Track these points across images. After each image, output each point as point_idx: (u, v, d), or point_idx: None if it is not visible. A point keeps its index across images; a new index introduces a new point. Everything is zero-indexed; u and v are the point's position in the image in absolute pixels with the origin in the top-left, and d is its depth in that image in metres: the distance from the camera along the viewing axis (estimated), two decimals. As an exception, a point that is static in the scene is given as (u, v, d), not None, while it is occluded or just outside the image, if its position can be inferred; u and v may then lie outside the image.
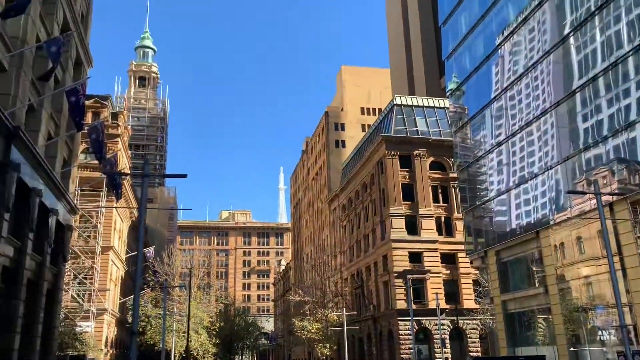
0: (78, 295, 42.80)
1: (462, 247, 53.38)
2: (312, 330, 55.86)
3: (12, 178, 19.52)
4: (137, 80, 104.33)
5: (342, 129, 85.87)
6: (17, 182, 20.23)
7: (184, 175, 16.84)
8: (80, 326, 39.03)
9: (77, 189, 33.69)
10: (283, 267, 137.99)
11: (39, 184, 23.15)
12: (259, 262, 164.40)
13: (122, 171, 37.76)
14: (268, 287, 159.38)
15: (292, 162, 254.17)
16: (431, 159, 57.80)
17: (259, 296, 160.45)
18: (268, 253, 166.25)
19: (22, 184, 21.14)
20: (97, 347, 42.29)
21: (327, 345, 55.99)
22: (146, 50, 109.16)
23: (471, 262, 43.84)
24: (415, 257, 53.80)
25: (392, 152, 56.76)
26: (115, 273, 51.16)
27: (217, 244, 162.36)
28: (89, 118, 46.19)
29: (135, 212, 62.40)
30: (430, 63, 70.27)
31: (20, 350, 21.55)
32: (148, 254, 56.85)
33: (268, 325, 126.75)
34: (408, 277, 52.13)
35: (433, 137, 57.94)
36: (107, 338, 47.23)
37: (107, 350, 47.75)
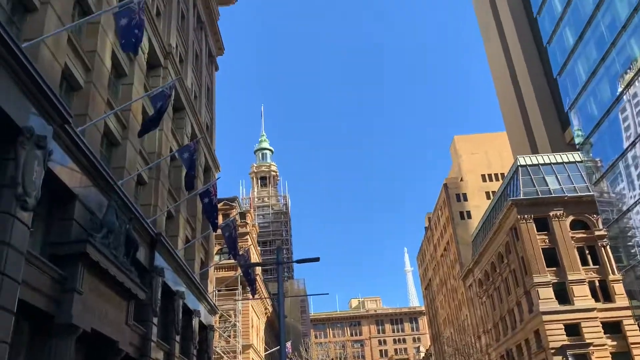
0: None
1: (627, 312, 46.83)
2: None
3: (158, 283, 20.41)
4: (259, 180, 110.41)
5: (465, 199, 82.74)
6: (162, 287, 21.14)
7: (317, 259, 16.47)
8: None
9: (214, 289, 34.77)
10: (422, 354, 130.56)
11: (181, 286, 24.08)
12: (396, 350, 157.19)
13: (255, 276, 38.57)
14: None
15: (415, 241, 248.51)
16: (571, 218, 52.90)
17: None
18: (404, 340, 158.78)
19: (167, 288, 22.06)
20: None
21: None
22: (264, 151, 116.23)
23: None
24: (573, 330, 47.88)
25: (526, 216, 52.90)
26: (256, 372, 51.19)
27: (351, 335, 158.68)
28: (219, 220, 48.74)
29: (270, 307, 63.12)
30: (549, 117, 66.64)
31: None
32: (286, 350, 56.49)
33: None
34: (568, 352, 46.33)
35: (568, 195, 53.37)
36: None
37: None
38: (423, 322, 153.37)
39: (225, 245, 48.51)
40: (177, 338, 22.91)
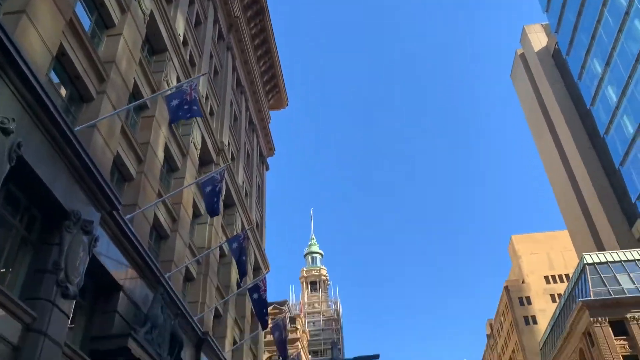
0: None
1: None
2: None
3: (202, 389, 18.93)
4: (309, 285, 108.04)
5: (529, 302, 77.39)
6: (208, 392, 19.59)
7: (377, 356, 14.78)
8: None
9: (263, 398, 32.42)
10: None
11: (227, 392, 22.36)
12: None
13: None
14: None
15: (475, 352, 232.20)
16: (651, 320, 47.92)
17: None
18: None
19: (212, 394, 20.45)
20: None
21: None
22: (314, 255, 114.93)
23: None
24: None
25: (600, 319, 48.29)
26: None
27: None
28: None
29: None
30: (613, 212, 63.09)
31: None
32: None
33: None
34: None
35: (645, 294, 48.81)
36: None
37: None
38: None
39: (274, 354, 46.24)
40: None
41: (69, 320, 11.37)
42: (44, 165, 10.41)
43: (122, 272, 14.05)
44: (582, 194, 67.90)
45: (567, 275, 74.12)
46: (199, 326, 19.19)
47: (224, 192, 15.14)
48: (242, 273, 18.62)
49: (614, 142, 41.12)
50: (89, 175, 11.76)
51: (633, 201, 41.51)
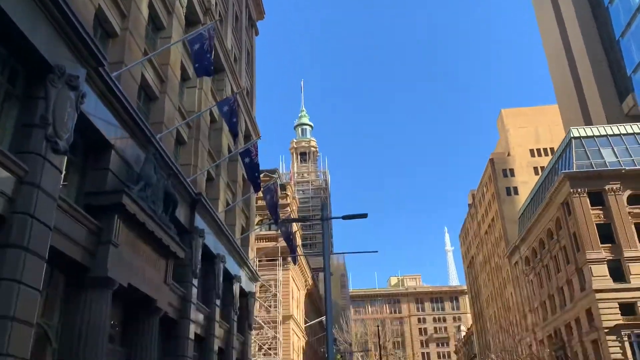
0: (264, 367, 42.91)
1: (688, 292, 44.29)
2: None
3: (198, 244, 19.78)
4: (299, 156, 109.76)
5: (512, 174, 79.76)
6: (203, 249, 20.53)
7: (365, 215, 15.31)
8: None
9: (255, 257, 34.26)
10: (463, 333, 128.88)
11: (222, 250, 23.48)
12: (435, 329, 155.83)
13: (295, 234, 37.88)
14: (449, 356, 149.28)
15: (456, 220, 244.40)
16: (628, 192, 49.90)
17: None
18: (444, 319, 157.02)
19: (207, 251, 21.46)
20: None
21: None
22: (304, 127, 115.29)
23: None
24: (628, 309, 45.46)
25: (579, 190, 50.20)
26: (296, 343, 50.97)
27: (390, 312, 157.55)
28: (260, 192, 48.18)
29: (311, 280, 62.75)
30: (605, 87, 62.72)
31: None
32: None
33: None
34: (623, 332, 44.04)
35: (627, 168, 50.29)
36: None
37: None
38: (464, 301, 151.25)
39: (266, 218, 48.14)
40: (218, 302, 22.38)
41: (62, 176, 11.45)
42: (20, 13, 9.78)
43: (112, 131, 13.90)
44: (576, 66, 66.88)
45: (552, 149, 75.59)
46: (192, 187, 19.57)
47: (213, 52, 14.51)
48: (234, 134, 18.60)
49: (618, 12, 39.59)
50: (71, 28, 11.13)
51: (628, 74, 40.99)
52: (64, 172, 11.50)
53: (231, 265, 25.05)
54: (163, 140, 17.27)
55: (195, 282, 19.40)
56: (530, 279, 65.93)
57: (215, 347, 21.68)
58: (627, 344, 43.28)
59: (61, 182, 11.44)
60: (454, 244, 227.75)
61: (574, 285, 51.37)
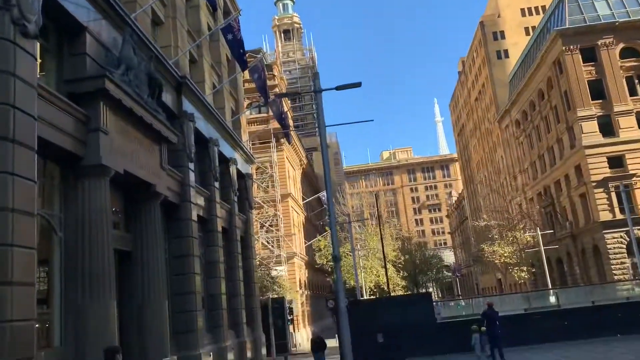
0: (268, 243, 44.78)
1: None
2: (505, 254, 52.21)
3: (189, 128, 19.45)
4: (282, 34, 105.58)
5: (502, 37, 77.56)
6: (195, 134, 20.23)
7: (358, 84, 14.85)
8: (276, 270, 40.88)
9: (248, 139, 34.16)
10: (455, 198, 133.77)
11: (214, 134, 23.23)
12: (427, 197, 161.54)
13: (287, 113, 37.49)
14: (441, 221, 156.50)
15: (445, 92, 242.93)
16: (621, 45, 48.95)
17: (433, 230, 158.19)
18: (436, 187, 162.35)
19: (199, 135, 21.19)
20: (293, 289, 44.08)
21: (525, 269, 52.05)
22: (285, 3, 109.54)
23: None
24: (616, 162, 46.71)
25: (571, 47, 49.12)
26: (296, 219, 52.77)
27: (383, 185, 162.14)
28: (245, 74, 46.84)
29: (305, 160, 63.49)
30: None
31: (226, 293, 22.25)
32: (323, 198, 57.74)
33: (448, 257, 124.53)
34: (610, 184, 45.66)
35: (620, 20, 48.84)
36: (299, 280, 49.20)
37: (302, 292, 49.87)
38: (454, 168, 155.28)
39: (255, 100, 47.27)
40: (216, 184, 22.59)
41: (38, 64, 10.83)
42: None
43: (83, 12, 12.91)
44: None
45: (543, 7, 72.74)
46: (176, 70, 18.80)
47: None
48: (213, 7, 17.50)
49: None
50: None
51: None
52: (38, 59, 10.86)
53: (225, 149, 24.95)
54: (139, 21, 16.22)
55: (191, 166, 19.38)
56: (521, 141, 66.94)
57: (219, 227, 22.27)
58: (613, 195, 45.05)
59: (38, 70, 10.86)
60: (444, 115, 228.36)
61: (564, 143, 52.24)
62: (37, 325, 9.94)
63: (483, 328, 16.24)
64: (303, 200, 58.13)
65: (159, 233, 15.76)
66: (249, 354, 24.72)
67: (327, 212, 56.14)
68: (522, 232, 52.44)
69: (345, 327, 14.77)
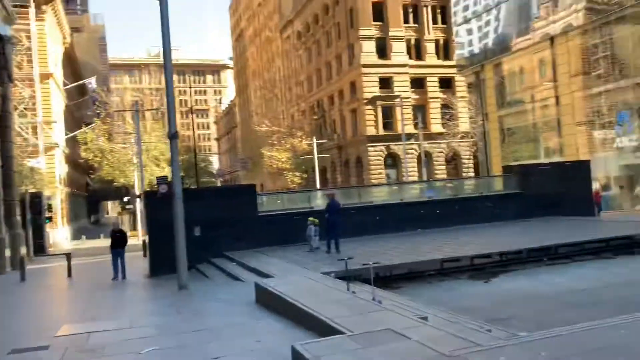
0: (22, 129, 37.53)
1: (431, 70, 51.47)
2: (282, 160, 54.08)
3: None
4: None
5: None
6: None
7: None
8: (36, 161, 34.87)
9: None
10: (225, 105, 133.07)
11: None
12: (196, 101, 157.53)
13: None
14: (208, 127, 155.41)
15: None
16: (403, -26, 52.36)
17: (199, 136, 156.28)
18: (205, 92, 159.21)
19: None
20: (53, 184, 38.60)
21: (298, 174, 54.93)
22: None
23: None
24: (385, 83, 51.19)
25: (361, -34, 50.66)
26: (57, 105, 45.53)
27: (150, 84, 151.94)
28: None
29: (69, 37, 54.51)
30: None
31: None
32: (90, 85, 50.91)
33: (214, 163, 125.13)
34: (378, 103, 50.08)
35: (405, -51, 51.85)
36: (59, 176, 43.30)
37: (62, 188, 44.18)
38: (225, 75, 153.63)
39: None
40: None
41: None
42: None
43: None
44: None
45: None
46: None
47: None
48: None
49: None
50: None
51: None
52: None
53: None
54: None
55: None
56: (300, 53, 68.41)
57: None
58: (379, 110, 49.70)
59: None
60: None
61: (344, 59, 54.96)
62: None
63: (317, 220, 16.52)
64: (65, 85, 50.31)
65: None
66: (7, 253, 20.79)
67: (94, 102, 49.73)
68: (300, 140, 54.73)
69: (180, 219, 12.90)
